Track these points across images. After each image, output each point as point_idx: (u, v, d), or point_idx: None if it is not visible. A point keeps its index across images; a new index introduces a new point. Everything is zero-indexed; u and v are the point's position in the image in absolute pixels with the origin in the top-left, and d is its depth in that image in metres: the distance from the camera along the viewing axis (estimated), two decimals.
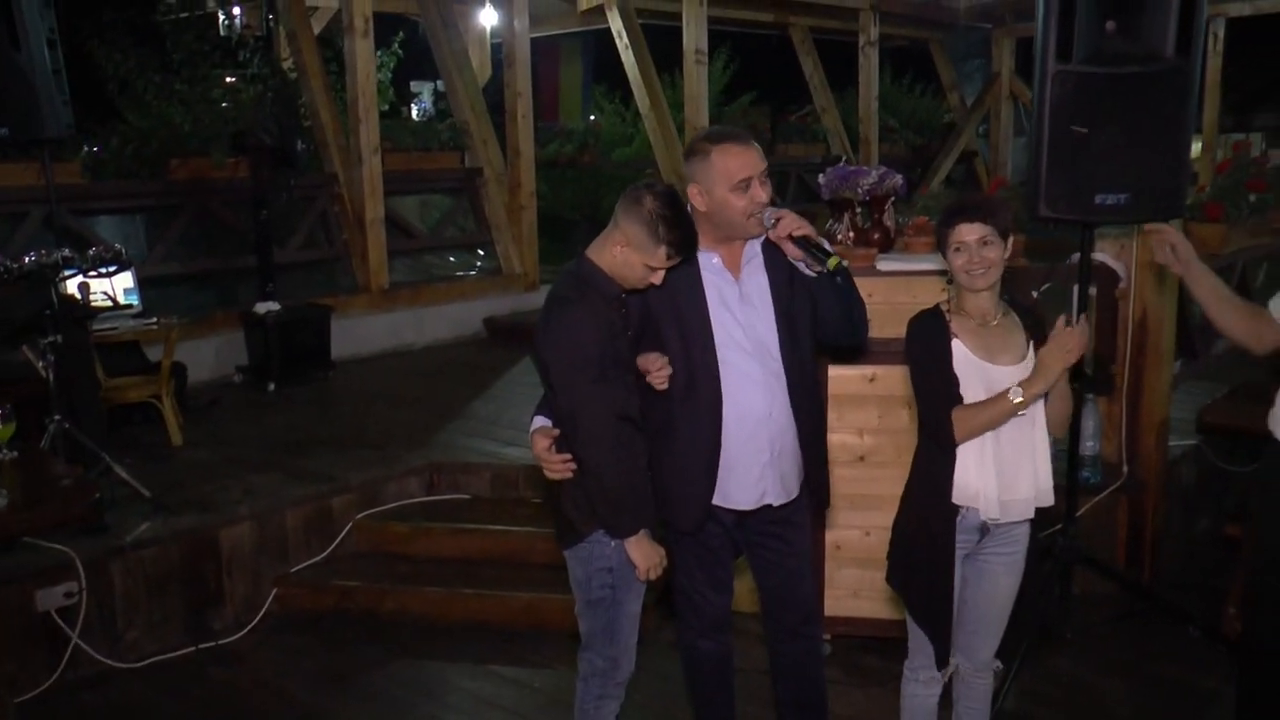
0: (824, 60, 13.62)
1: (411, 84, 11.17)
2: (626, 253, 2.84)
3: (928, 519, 2.93)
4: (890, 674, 3.56)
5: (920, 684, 3.10)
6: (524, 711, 4.06)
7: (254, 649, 4.62)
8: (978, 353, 2.85)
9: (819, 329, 3.04)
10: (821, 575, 4.13)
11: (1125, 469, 4.76)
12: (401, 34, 10.33)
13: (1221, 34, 12.83)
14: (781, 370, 2.99)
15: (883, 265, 4.19)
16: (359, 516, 5.22)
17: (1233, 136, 12.89)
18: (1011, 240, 2.88)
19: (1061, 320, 2.79)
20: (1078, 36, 3.64)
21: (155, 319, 6.13)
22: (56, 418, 4.76)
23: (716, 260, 2.98)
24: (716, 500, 3.02)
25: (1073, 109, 3.68)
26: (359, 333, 8.35)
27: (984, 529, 2.92)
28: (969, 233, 2.81)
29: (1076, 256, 4.13)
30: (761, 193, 2.88)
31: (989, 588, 3.01)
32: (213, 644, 4.61)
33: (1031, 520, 2.97)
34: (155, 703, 4.22)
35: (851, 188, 4.30)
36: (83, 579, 4.28)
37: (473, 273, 9.95)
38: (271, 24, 9.35)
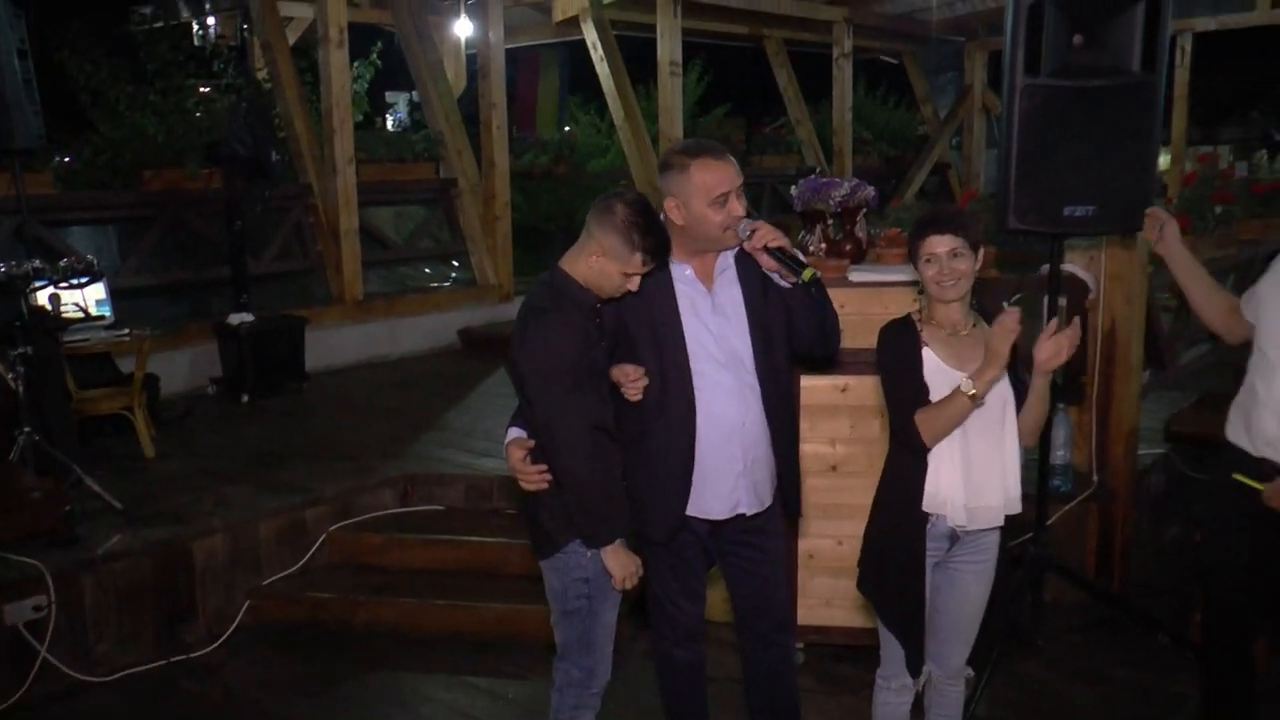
0: (798, 72, 13.71)
1: (387, 94, 11.16)
2: (602, 262, 2.85)
3: (898, 527, 2.95)
4: (863, 682, 3.59)
5: (892, 692, 3.12)
6: None
7: (227, 661, 4.59)
8: (948, 362, 2.88)
9: (792, 339, 3.07)
10: (794, 584, 4.14)
11: (1095, 477, 4.81)
12: (380, 45, 10.32)
13: (1189, 48, 13.02)
14: (754, 380, 3.02)
15: (855, 276, 4.22)
16: (332, 528, 5.21)
17: (1200, 149, 13.03)
18: (982, 252, 2.92)
19: (1054, 322, 2.83)
20: (1046, 50, 3.68)
21: (127, 330, 6.09)
22: (26, 429, 4.73)
23: (689, 272, 3.00)
24: (690, 510, 3.04)
25: (1041, 122, 3.73)
26: (333, 344, 8.33)
27: (954, 536, 2.95)
28: (939, 244, 2.84)
29: (1046, 268, 4.17)
30: (738, 206, 2.92)
31: (960, 595, 3.03)
32: (185, 657, 4.58)
33: (1002, 529, 3.00)
34: (126, 717, 4.19)
35: (824, 199, 4.33)
36: (52, 592, 4.24)
37: (447, 284, 9.95)
38: (246, 34, 9.35)
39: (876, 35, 13.94)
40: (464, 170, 9.88)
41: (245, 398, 7.19)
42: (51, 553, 4.36)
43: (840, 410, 4.13)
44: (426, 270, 10.03)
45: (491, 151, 9.73)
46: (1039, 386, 2.89)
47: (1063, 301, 4.33)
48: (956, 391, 2.79)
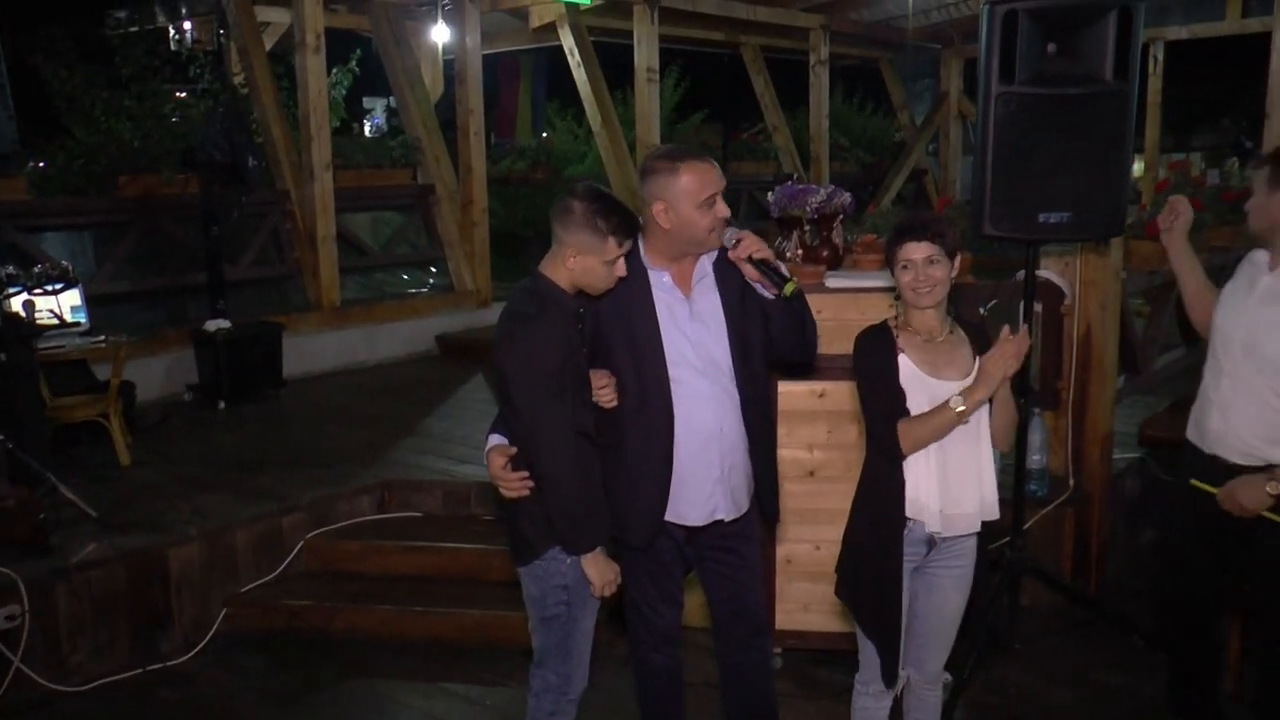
0: (775, 79, 13.76)
1: (364, 100, 11.14)
2: (581, 260, 2.86)
3: (876, 532, 2.96)
4: (841, 686, 3.60)
5: (871, 697, 3.13)
6: None
7: (203, 670, 4.56)
8: (924, 368, 2.90)
9: (770, 346, 3.08)
10: (772, 589, 4.15)
11: (1071, 482, 4.84)
12: (359, 52, 10.30)
13: (1161, 56, 13.15)
14: (732, 387, 3.03)
15: (831, 282, 4.24)
16: (310, 535, 5.18)
17: (1173, 156, 13.16)
18: (959, 259, 2.94)
19: (1006, 329, 2.84)
20: (1020, 58, 3.70)
21: (103, 337, 6.05)
22: (0, 437, 4.69)
23: (667, 278, 3.01)
24: (668, 516, 3.04)
25: (1016, 129, 3.76)
26: (311, 350, 8.29)
27: (931, 542, 2.96)
28: (916, 251, 2.86)
29: (1022, 274, 4.20)
30: (724, 208, 2.94)
31: (938, 601, 3.05)
32: (161, 666, 4.55)
33: (979, 534, 3.02)
34: None
35: (800, 206, 4.36)
36: (25, 601, 4.20)
37: (425, 290, 9.93)
38: (223, 39, 9.31)
39: (853, 42, 14.01)
40: (441, 176, 9.87)
41: (222, 405, 7.16)
42: (25, 561, 4.32)
43: (818, 416, 4.14)
44: (404, 276, 10.01)
45: (469, 157, 9.71)
46: (1000, 392, 2.91)
47: (1038, 307, 4.36)
48: (945, 407, 2.81)
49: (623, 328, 2.98)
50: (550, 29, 10.71)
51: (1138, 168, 13.29)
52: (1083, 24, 3.68)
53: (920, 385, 2.88)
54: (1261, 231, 3.30)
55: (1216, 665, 3.68)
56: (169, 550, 4.71)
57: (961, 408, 2.80)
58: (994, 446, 2.98)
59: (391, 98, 10.44)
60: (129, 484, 5.51)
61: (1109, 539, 4.94)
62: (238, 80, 9.10)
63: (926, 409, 2.86)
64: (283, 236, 8.82)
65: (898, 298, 2.97)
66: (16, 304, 5.37)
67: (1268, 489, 3.16)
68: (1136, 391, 5.83)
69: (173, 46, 9.80)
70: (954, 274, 2.91)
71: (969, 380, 2.89)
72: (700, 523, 3.07)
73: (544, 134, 14.47)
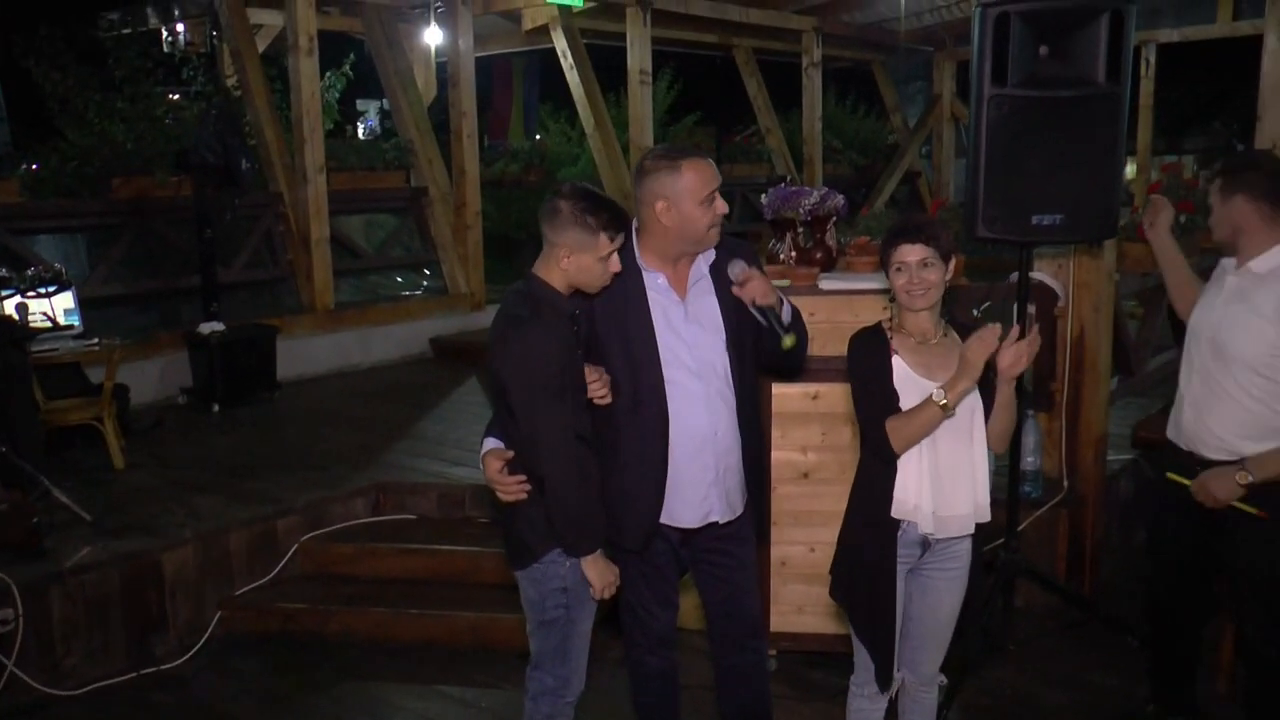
0: (768, 81, 13.78)
1: (357, 103, 11.13)
2: (575, 259, 2.85)
3: (869, 533, 2.97)
4: (836, 688, 3.60)
5: (866, 698, 3.14)
6: None
7: (198, 674, 4.56)
8: (917, 370, 2.90)
9: (761, 355, 3.09)
10: (767, 591, 4.16)
11: (1065, 483, 4.85)
12: (353, 55, 10.30)
13: (1153, 59, 13.18)
14: (726, 389, 3.03)
15: (825, 284, 4.24)
16: (304, 538, 5.18)
17: (1165, 158, 13.20)
18: (953, 262, 2.94)
19: (1016, 330, 2.85)
20: (1012, 61, 3.72)
21: (96, 340, 6.04)
22: None
23: (662, 280, 3.01)
24: (663, 519, 3.05)
25: (1009, 132, 3.77)
26: (304, 353, 8.29)
27: (925, 543, 2.96)
28: (910, 254, 2.86)
29: (1015, 276, 4.21)
30: (722, 204, 2.95)
31: (932, 603, 3.05)
32: (155, 669, 4.54)
33: (973, 536, 3.02)
34: None
35: (793, 208, 4.36)
36: (19, 605, 4.19)
37: (419, 292, 9.93)
38: (216, 41, 9.30)
39: (845, 44, 14.03)
40: (435, 179, 9.87)
41: (216, 407, 7.15)
42: (19, 565, 4.31)
43: (811, 418, 4.15)
44: (398, 279, 10.00)
45: (462, 160, 9.71)
46: (1004, 394, 2.91)
47: (1032, 309, 4.38)
48: (928, 401, 2.81)
49: (618, 330, 2.98)
50: (543, 31, 10.71)
51: (1130, 170, 13.35)
52: (1075, 26, 3.69)
53: (914, 387, 2.88)
54: (1224, 240, 3.39)
55: (1195, 657, 3.74)
56: (163, 553, 4.71)
57: (944, 400, 2.79)
58: (991, 447, 2.98)
59: (384, 100, 10.44)
60: (123, 487, 5.50)
61: (1103, 540, 4.95)
62: (231, 83, 9.10)
63: None
64: (276, 239, 8.82)
65: (892, 300, 2.98)
66: (10, 307, 5.37)
67: (1237, 479, 3.23)
68: (1130, 393, 5.85)
69: (166, 49, 9.79)
70: (948, 277, 2.92)
71: None
72: (695, 525, 3.07)
73: (537, 136, 14.48)
